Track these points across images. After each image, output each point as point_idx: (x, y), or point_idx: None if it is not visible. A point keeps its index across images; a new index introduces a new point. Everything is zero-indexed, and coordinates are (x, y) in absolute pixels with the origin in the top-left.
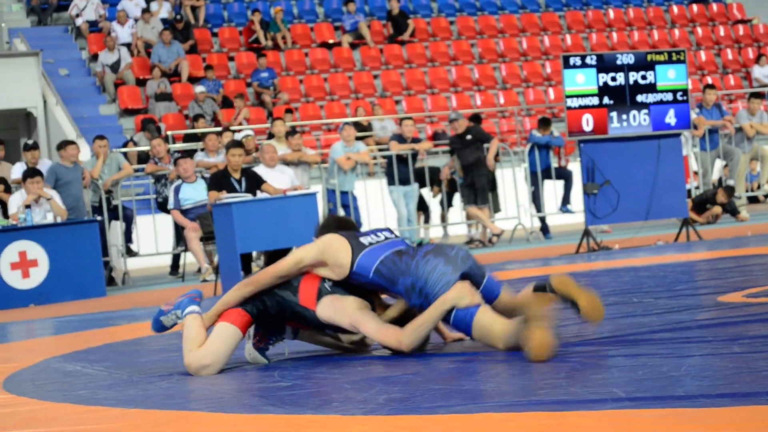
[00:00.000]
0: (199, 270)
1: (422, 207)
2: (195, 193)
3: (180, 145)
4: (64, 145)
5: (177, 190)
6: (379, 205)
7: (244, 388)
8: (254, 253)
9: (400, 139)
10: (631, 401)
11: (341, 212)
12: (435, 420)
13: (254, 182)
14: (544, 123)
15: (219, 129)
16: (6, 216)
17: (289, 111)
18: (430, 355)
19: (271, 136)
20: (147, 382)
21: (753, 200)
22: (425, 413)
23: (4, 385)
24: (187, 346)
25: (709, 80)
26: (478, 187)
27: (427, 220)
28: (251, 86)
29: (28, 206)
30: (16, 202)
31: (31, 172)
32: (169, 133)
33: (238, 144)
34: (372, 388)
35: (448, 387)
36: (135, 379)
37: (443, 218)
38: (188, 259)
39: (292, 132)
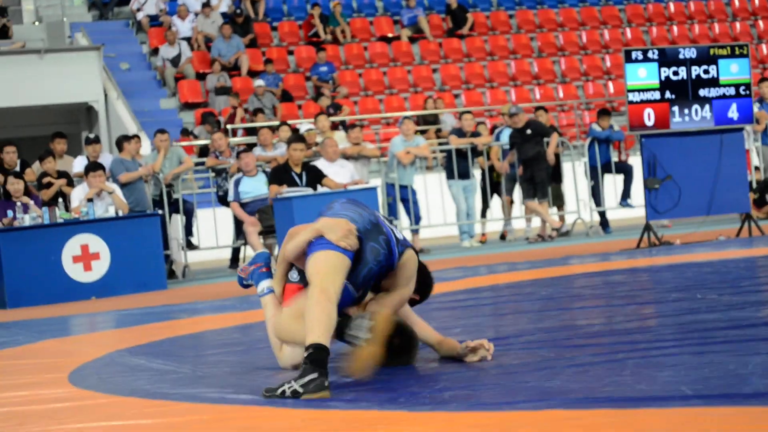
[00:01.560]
0: (235, 262)
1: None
2: (255, 186)
3: (239, 139)
4: (124, 140)
5: (237, 183)
6: (438, 199)
7: None
8: None
9: (459, 133)
10: (699, 399)
11: (400, 206)
12: (501, 417)
13: (315, 176)
14: (604, 114)
15: (276, 123)
16: (68, 209)
17: (337, 106)
18: (493, 352)
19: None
20: (211, 376)
21: None
22: (491, 410)
23: (70, 379)
24: (272, 338)
25: None
26: (538, 181)
27: (484, 214)
28: (310, 80)
29: (90, 200)
30: (78, 195)
31: (94, 166)
32: (228, 126)
33: (300, 139)
34: (436, 384)
35: (513, 383)
36: (199, 374)
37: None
38: (248, 252)
39: (352, 126)
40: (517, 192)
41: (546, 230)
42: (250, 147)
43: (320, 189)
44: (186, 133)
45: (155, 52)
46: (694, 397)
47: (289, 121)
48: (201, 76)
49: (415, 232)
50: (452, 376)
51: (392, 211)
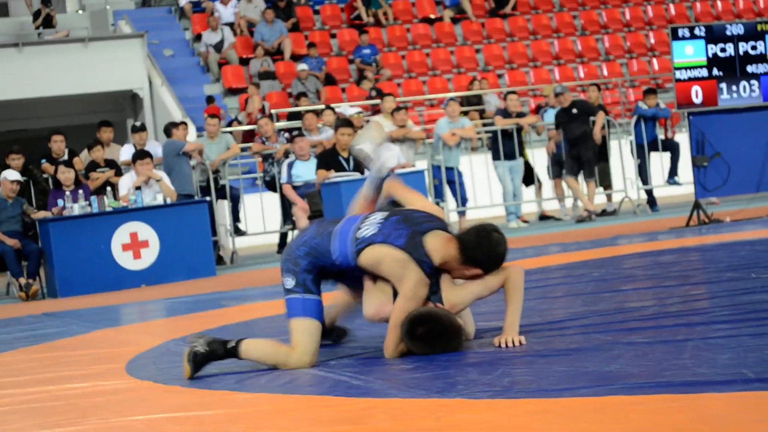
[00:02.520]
0: (283, 247)
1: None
2: (307, 170)
3: (283, 123)
4: (172, 126)
5: (290, 166)
6: (485, 180)
7: (366, 371)
8: None
9: (504, 113)
10: (762, 382)
11: (447, 188)
12: (564, 403)
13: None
14: (650, 93)
15: (320, 107)
16: (116, 198)
17: (379, 91)
18: (547, 336)
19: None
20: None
21: None
22: (552, 396)
23: (127, 369)
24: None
25: None
26: (585, 161)
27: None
28: (353, 63)
29: (138, 188)
30: (126, 183)
31: (141, 154)
32: (272, 111)
33: (347, 123)
34: (495, 370)
35: (572, 368)
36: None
37: (559, 192)
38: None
39: (397, 108)
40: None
41: (589, 207)
42: (295, 131)
43: (367, 173)
44: (210, 101)
45: (198, 38)
46: (756, 380)
47: (332, 105)
48: (244, 62)
49: (461, 213)
50: (510, 361)
51: (438, 194)
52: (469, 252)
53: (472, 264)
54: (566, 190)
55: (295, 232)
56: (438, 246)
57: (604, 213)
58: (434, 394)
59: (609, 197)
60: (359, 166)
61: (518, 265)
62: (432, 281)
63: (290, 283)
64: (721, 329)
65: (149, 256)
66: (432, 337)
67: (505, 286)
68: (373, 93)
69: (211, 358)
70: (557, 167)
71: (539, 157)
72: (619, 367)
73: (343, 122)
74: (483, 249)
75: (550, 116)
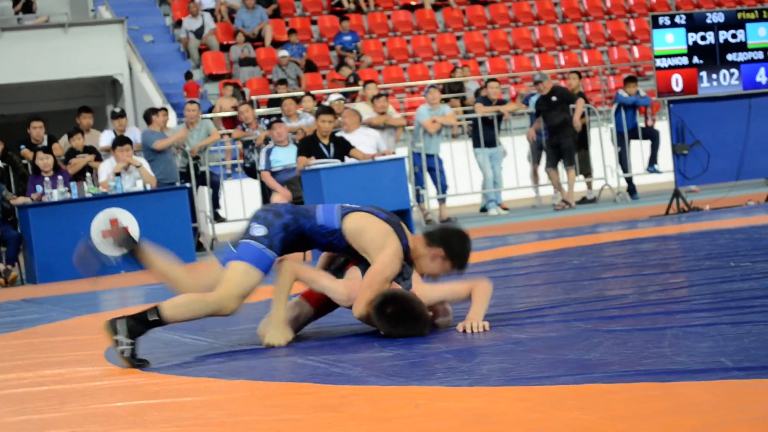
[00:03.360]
0: None
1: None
2: (286, 156)
3: (264, 110)
4: (152, 113)
5: (269, 153)
6: (465, 168)
7: (345, 359)
8: None
9: (485, 101)
10: (740, 371)
11: (427, 176)
12: (544, 391)
13: (343, 148)
14: (631, 81)
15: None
16: (96, 184)
17: (357, 77)
18: (527, 324)
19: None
20: (248, 352)
21: None
22: (532, 384)
23: (106, 356)
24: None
25: None
26: (565, 148)
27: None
28: (334, 49)
29: (117, 174)
30: (106, 169)
31: (121, 140)
32: (253, 98)
33: (328, 110)
34: (474, 358)
35: (552, 357)
36: (236, 350)
37: (536, 179)
38: None
39: (377, 95)
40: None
41: (571, 197)
42: (275, 118)
43: (348, 160)
44: (188, 76)
45: (179, 24)
46: (734, 369)
47: (312, 91)
48: (225, 48)
49: (442, 200)
50: (490, 349)
51: (419, 181)
52: (434, 233)
53: (436, 243)
54: (542, 178)
55: None
56: (408, 233)
57: (584, 201)
58: (413, 381)
59: (589, 185)
60: (339, 153)
61: (486, 279)
62: (405, 267)
63: (259, 231)
64: (700, 318)
65: None
66: (399, 318)
67: (472, 292)
68: (351, 79)
69: (136, 336)
70: (537, 152)
71: (519, 144)
72: (598, 355)
73: (324, 109)
74: (446, 229)
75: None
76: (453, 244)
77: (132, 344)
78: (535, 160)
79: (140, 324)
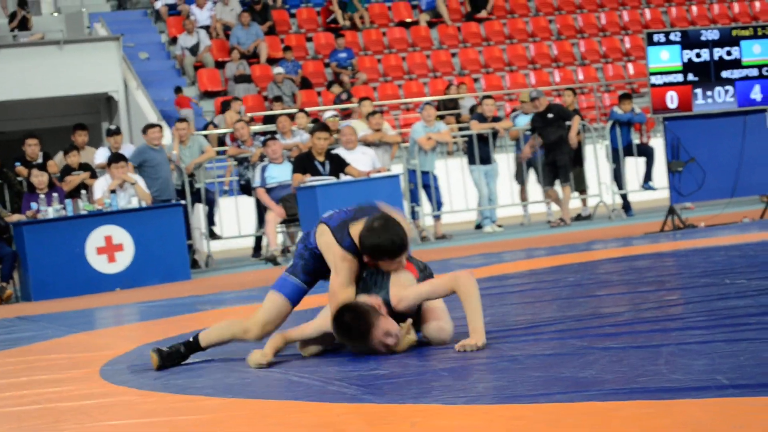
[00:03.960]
0: (258, 251)
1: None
2: (281, 173)
3: (259, 127)
4: (147, 128)
5: (263, 169)
6: (460, 185)
7: (341, 376)
8: None
9: (480, 117)
10: (736, 389)
11: (422, 192)
12: (540, 409)
13: (338, 165)
14: (626, 98)
15: (294, 111)
16: (91, 201)
17: (349, 94)
18: (522, 342)
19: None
20: (243, 370)
21: None
22: (528, 402)
23: (101, 374)
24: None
25: None
26: (560, 165)
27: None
28: (329, 66)
29: (113, 191)
30: (101, 187)
31: (116, 157)
32: (248, 115)
33: (324, 128)
34: (470, 376)
35: (547, 374)
36: (231, 368)
37: (523, 198)
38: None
39: (373, 112)
40: (532, 176)
41: (567, 215)
42: (271, 135)
43: (343, 177)
44: (178, 91)
45: (174, 41)
46: (730, 386)
47: (308, 108)
48: (220, 65)
49: (437, 217)
50: (485, 367)
51: (414, 198)
52: (360, 239)
53: (363, 251)
54: (531, 195)
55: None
56: (356, 233)
57: (579, 218)
58: (409, 399)
59: (584, 202)
60: (335, 170)
61: (467, 270)
62: (375, 277)
63: (290, 262)
64: (695, 335)
65: (124, 259)
66: (348, 330)
67: (458, 294)
68: (344, 96)
69: (176, 356)
70: (524, 173)
71: (506, 162)
72: (594, 372)
73: (319, 126)
74: (363, 231)
75: (521, 121)
76: (365, 243)
77: (167, 349)
78: (522, 179)
79: (180, 344)
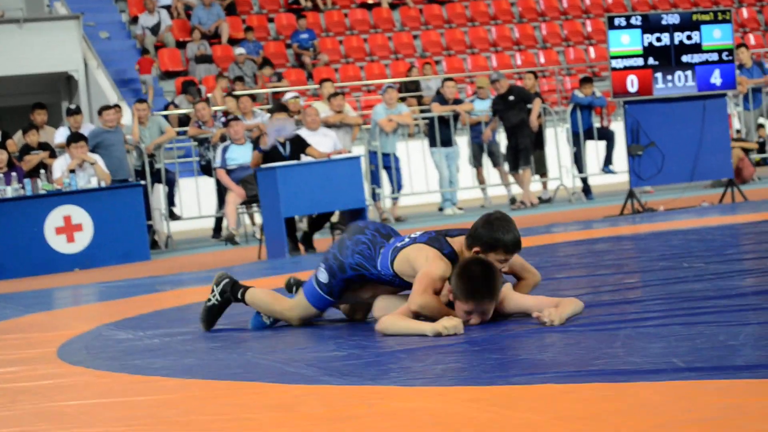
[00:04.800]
0: (218, 232)
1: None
2: (242, 154)
3: (220, 108)
4: (102, 109)
5: (225, 150)
6: (421, 167)
7: (299, 358)
8: (296, 217)
9: (441, 100)
10: (692, 371)
11: (383, 174)
12: (497, 391)
13: (299, 146)
14: (586, 81)
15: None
16: (50, 181)
17: (278, 76)
18: (482, 325)
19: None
20: (201, 351)
21: None
22: (485, 384)
23: (59, 354)
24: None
25: (752, 38)
26: (522, 149)
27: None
28: (291, 47)
29: (72, 171)
30: (60, 166)
31: (75, 137)
32: (209, 95)
33: (282, 108)
34: (428, 358)
35: (504, 357)
36: (189, 348)
37: (481, 180)
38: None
39: (334, 94)
40: (487, 160)
41: (530, 198)
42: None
43: (304, 158)
44: (145, 52)
45: (135, 20)
46: (686, 369)
47: (269, 90)
48: (181, 45)
49: (395, 199)
50: (443, 349)
51: (375, 180)
52: (471, 233)
53: (473, 242)
54: (487, 178)
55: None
56: (451, 240)
57: (539, 200)
58: (367, 381)
59: (544, 185)
60: (295, 151)
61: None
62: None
63: (324, 278)
64: (652, 318)
65: (83, 239)
66: (478, 278)
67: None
68: (274, 78)
69: (224, 306)
70: (479, 156)
71: (462, 145)
72: (551, 355)
73: (278, 107)
74: (478, 223)
75: (478, 106)
76: (483, 235)
77: (217, 302)
78: (477, 162)
79: (235, 290)
